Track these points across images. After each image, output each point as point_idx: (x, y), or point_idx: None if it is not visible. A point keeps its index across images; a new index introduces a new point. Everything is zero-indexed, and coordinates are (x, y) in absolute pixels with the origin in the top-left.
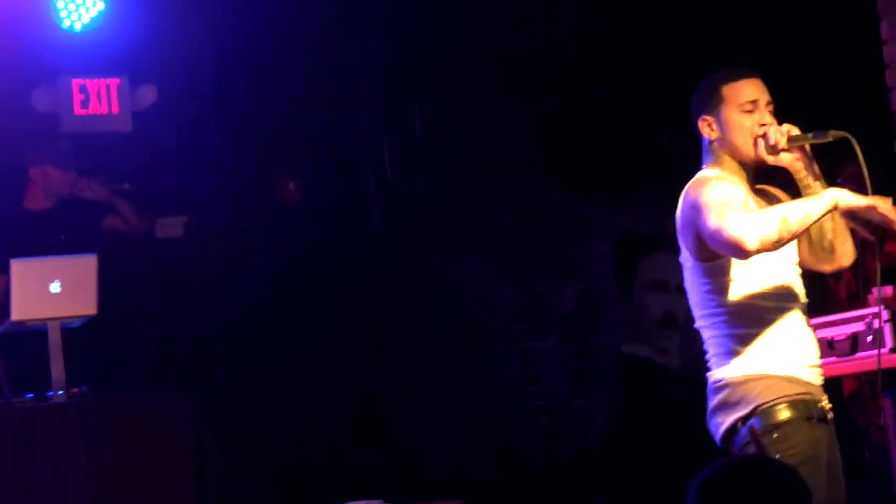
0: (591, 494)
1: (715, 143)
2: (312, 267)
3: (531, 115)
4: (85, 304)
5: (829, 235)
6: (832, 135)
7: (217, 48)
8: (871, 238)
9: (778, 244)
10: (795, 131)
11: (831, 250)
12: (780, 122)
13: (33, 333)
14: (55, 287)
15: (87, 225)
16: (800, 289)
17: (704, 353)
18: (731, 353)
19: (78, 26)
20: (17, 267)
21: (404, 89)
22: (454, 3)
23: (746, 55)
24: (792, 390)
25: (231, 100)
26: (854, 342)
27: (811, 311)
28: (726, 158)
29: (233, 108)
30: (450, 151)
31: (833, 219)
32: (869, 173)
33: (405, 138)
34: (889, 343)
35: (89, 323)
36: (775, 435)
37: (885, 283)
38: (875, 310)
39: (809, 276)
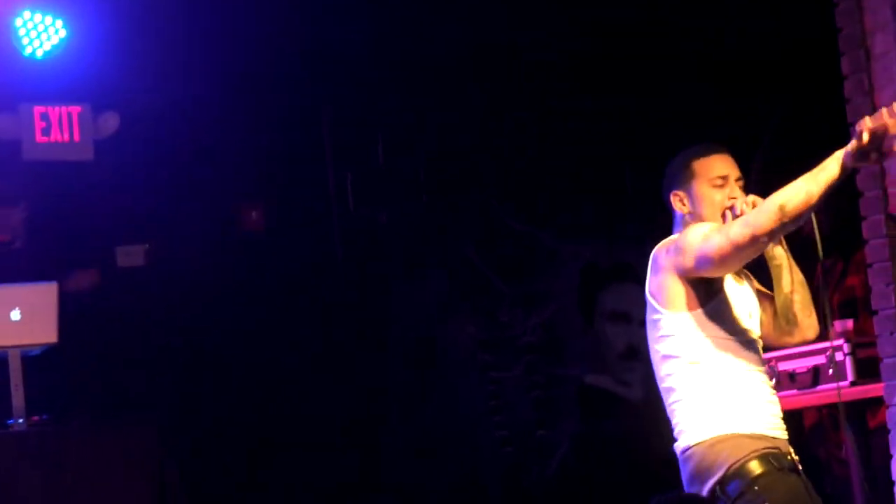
0: None
1: (687, 217)
2: (275, 296)
3: (494, 147)
4: (45, 332)
5: (795, 307)
6: None
7: (180, 76)
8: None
9: (783, 229)
10: (760, 201)
11: (795, 323)
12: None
13: None
14: (15, 315)
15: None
16: (762, 358)
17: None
18: (696, 418)
19: (40, 53)
20: None
21: (367, 120)
22: (417, 36)
23: (706, 92)
24: (760, 445)
25: (194, 128)
26: (815, 375)
27: None
28: None
29: (195, 136)
30: (412, 182)
31: (799, 290)
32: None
33: (368, 169)
34: (850, 376)
35: (50, 351)
36: (756, 487)
37: (846, 316)
38: (836, 343)
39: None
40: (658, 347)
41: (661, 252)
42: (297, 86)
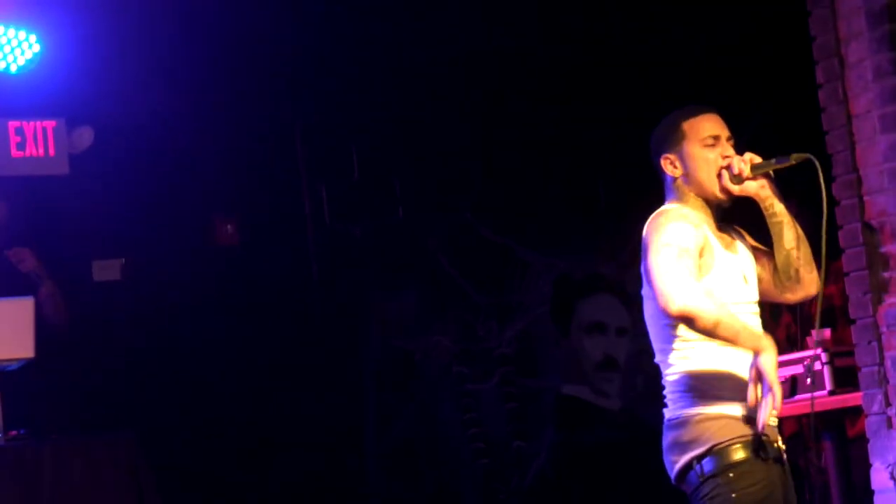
0: None
1: (679, 181)
2: (250, 310)
3: (468, 160)
4: (22, 347)
5: (796, 264)
6: (795, 157)
7: (155, 91)
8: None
9: (694, 328)
10: (758, 159)
11: (797, 279)
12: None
13: None
14: None
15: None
16: (759, 328)
17: (662, 388)
18: (688, 392)
19: (14, 68)
20: None
21: (342, 134)
22: (392, 48)
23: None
24: (747, 430)
25: (169, 142)
26: (793, 384)
27: None
28: (691, 196)
29: (170, 150)
30: (388, 196)
31: (800, 247)
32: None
33: (343, 182)
34: (828, 385)
35: (27, 366)
36: (731, 474)
37: (824, 325)
38: (814, 352)
39: None
40: (652, 322)
41: (648, 232)
42: (272, 99)
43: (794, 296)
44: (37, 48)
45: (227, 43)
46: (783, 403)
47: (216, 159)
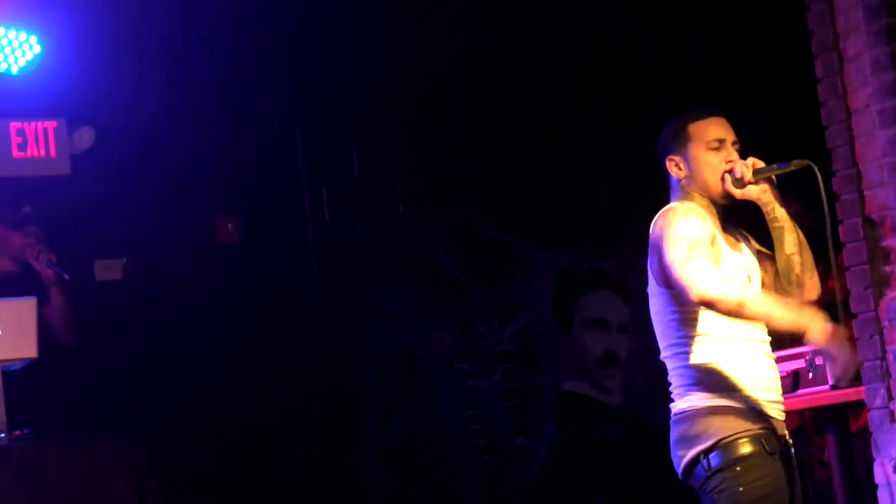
0: None
1: (683, 182)
2: (251, 308)
3: (469, 157)
4: (25, 347)
5: (797, 269)
6: (795, 164)
7: (155, 90)
8: None
9: (719, 311)
10: (760, 164)
11: (799, 284)
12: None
13: None
14: None
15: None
16: (762, 327)
17: (669, 384)
18: (694, 385)
19: (15, 69)
20: None
21: (342, 131)
22: (391, 46)
23: (680, 95)
24: (753, 424)
25: (169, 141)
26: (795, 379)
27: None
28: (696, 196)
29: (171, 149)
30: (388, 193)
31: (801, 251)
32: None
33: (343, 180)
34: (830, 380)
35: (30, 366)
36: (738, 468)
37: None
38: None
39: None
40: (658, 319)
41: (655, 229)
42: (272, 98)
43: (794, 300)
44: (37, 49)
45: (227, 43)
46: (786, 398)
47: (217, 158)
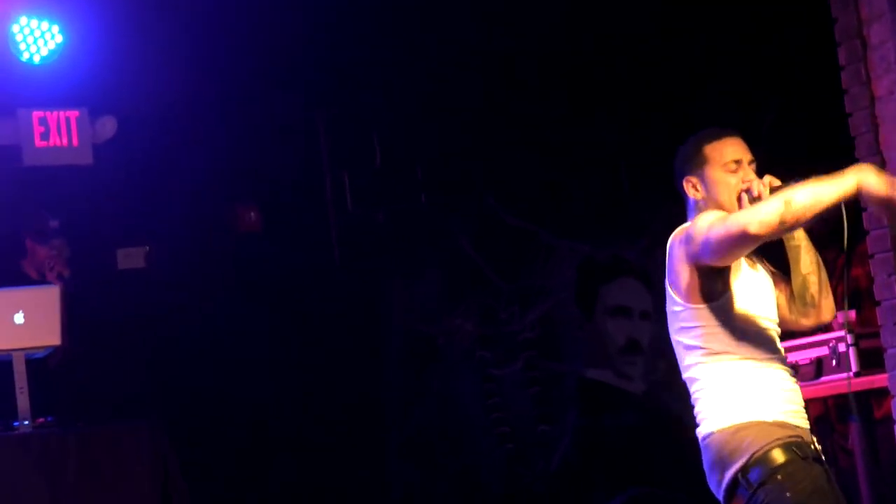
0: None
1: (700, 203)
2: (274, 296)
3: (491, 145)
4: (49, 335)
5: (813, 289)
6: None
7: (177, 80)
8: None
9: (781, 227)
10: (777, 182)
11: (813, 304)
12: (760, 176)
13: None
14: (19, 318)
15: None
16: (780, 346)
17: (692, 406)
18: (718, 405)
19: (37, 59)
20: None
21: (363, 120)
22: (413, 35)
23: (703, 85)
24: (782, 433)
25: (191, 130)
26: (818, 366)
27: None
28: None
29: (193, 138)
30: (409, 182)
31: (817, 272)
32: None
33: (365, 169)
34: (854, 367)
35: (54, 353)
36: (779, 477)
37: (848, 307)
38: (839, 334)
39: None
40: (679, 338)
41: (675, 242)
42: (294, 87)
43: (808, 321)
44: (59, 39)
45: (249, 32)
46: (806, 385)
47: (239, 147)
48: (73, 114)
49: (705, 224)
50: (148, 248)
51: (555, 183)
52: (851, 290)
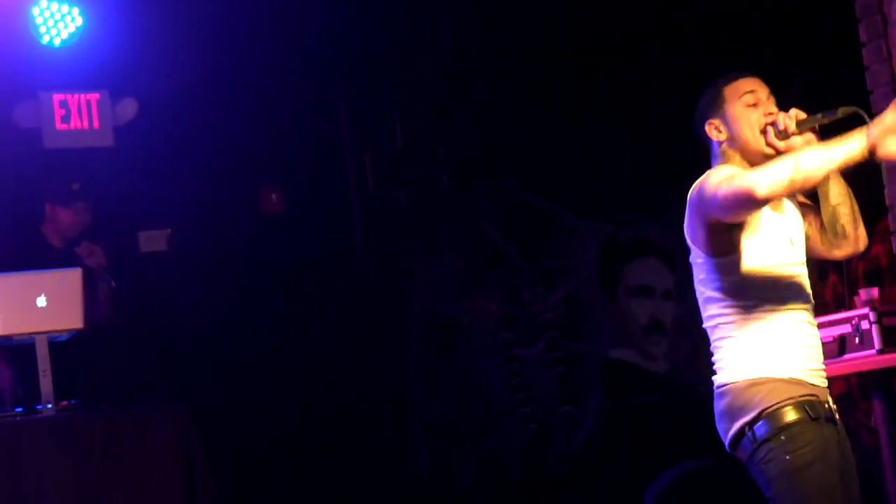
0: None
1: (724, 145)
2: (296, 278)
3: (511, 125)
4: (71, 318)
5: (843, 219)
6: (841, 111)
7: (197, 62)
8: None
9: (791, 188)
10: (803, 115)
11: (844, 235)
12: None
13: (21, 347)
14: (41, 301)
15: None
16: (807, 290)
17: (711, 354)
18: (736, 357)
19: (57, 41)
20: (3, 281)
21: (385, 101)
22: (434, 16)
23: (725, 62)
24: (796, 392)
25: (212, 112)
26: (842, 344)
27: None
28: (737, 158)
29: (214, 120)
30: (431, 163)
31: (847, 202)
32: None
33: (386, 150)
34: (877, 345)
35: (76, 336)
36: (783, 437)
37: (870, 284)
38: (862, 311)
39: None
40: (701, 289)
41: (691, 195)
42: (315, 68)
43: (841, 252)
44: (79, 21)
45: (270, 13)
46: (830, 363)
47: (260, 129)
48: (94, 96)
49: (715, 180)
50: (170, 230)
51: (577, 163)
52: (872, 268)
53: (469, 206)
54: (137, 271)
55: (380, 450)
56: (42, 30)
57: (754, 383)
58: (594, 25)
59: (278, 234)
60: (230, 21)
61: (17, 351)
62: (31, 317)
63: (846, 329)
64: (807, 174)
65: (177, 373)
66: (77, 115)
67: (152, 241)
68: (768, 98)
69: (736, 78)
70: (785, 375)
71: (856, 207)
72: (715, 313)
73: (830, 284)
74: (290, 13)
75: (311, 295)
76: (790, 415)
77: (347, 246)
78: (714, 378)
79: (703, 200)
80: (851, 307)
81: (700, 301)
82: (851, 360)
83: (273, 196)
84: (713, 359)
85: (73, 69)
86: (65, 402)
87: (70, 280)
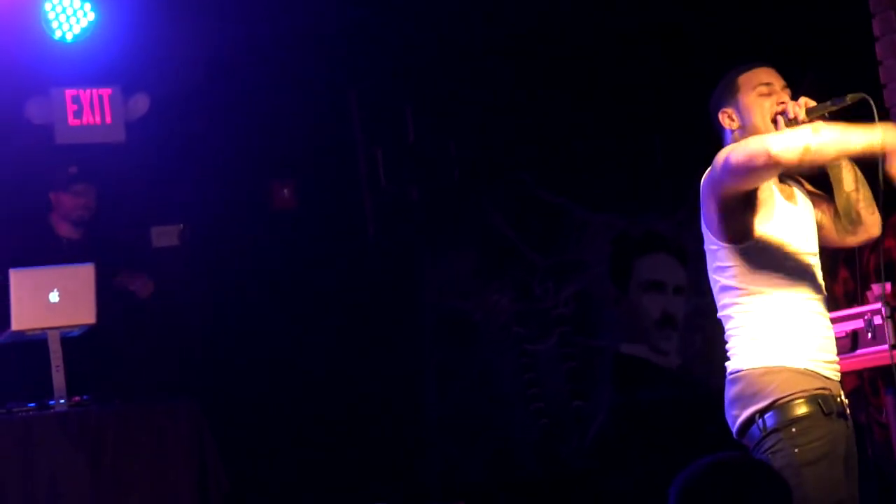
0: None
1: (736, 133)
2: (307, 273)
3: (523, 120)
4: (84, 313)
5: (857, 206)
6: (850, 98)
7: (209, 57)
8: None
9: (804, 157)
10: (812, 103)
11: (859, 221)
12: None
13: (34, 343)
14: (54, 296)
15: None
16: (820, 281)
17: (725, 342)
18: (750, 345)
19: (69, 37)
20: (16, 277)
21: (397, 96)
22: (446, 12)
23: (738, 56)
24: (809, 385)
25: (224, 107)
26: (854, 339)
27: None
28: None
29: (226, 115)
30: (443, 158)
31: (860, 188)
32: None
33: (398, 145)
34: (889, 340)
35: (89, 332)
36: (794, 429)
37: (883, 280)
38: (874, 306)
39: None
40: (716, 277)
41: (705, 179)
42: (327, 63)
43: (856, 238)
44: (92, 16)
45: (282, 8)
46: (842, 358)
47: (272, 124)
48: (106, 92)
49: (727, 149)
50: (182, 225)
51: (589, 157)
52: (884, 263)
53: (481, 202)
54: (149, 267)
55: (392, 444)
56: (54, 25)
57: (769, 371)
58: (611, 18)
59: (290, 230)
60: (242, 16)
61: (29, 346)
62: (43, 312)
63: (858, 324)
64: (820, 147)
65: (188, 368)
66: (89, 111)
67: (164, 236)
68: (783, 89)
69: (751, 68)
70: (800, 366)
71: (869, 193)
72: (729, 302)
73: (841, 280)
74: (302, 10)
75: (323, 290)
76: (802, 408)
77: (359, 241)
78: (727, 364)
79: (714, 171)
80: (864, 302)
81: (714, 290)
82: (863, 355)
83: (285, 191)
84: (727, 345)
85: (85, 64)
86: (77, 398)
87: (83, 275)
